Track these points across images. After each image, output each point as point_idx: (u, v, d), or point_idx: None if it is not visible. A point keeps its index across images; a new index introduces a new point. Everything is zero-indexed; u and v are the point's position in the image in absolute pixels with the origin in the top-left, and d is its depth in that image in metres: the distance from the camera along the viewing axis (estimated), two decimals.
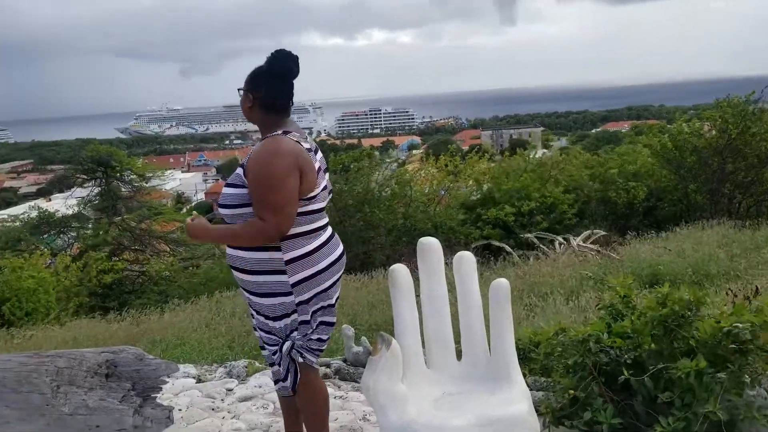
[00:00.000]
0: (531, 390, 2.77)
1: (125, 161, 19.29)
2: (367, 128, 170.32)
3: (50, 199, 37.67)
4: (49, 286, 10.57)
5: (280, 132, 2.58)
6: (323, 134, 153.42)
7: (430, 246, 2.66)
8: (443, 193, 16.74)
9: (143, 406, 2.78)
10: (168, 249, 18.94)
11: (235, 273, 2.65)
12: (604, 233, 12.33)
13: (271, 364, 2.79)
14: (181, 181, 67.12)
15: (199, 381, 4.15)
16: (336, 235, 2.79)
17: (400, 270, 2.61)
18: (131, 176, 19.09)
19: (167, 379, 2.97)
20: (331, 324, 2.72)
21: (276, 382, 2.83)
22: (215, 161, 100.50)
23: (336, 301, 2.73)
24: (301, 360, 2.65)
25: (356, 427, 3.26)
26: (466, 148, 44.45)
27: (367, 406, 3.50)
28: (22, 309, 9.88)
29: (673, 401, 2.55)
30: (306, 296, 2.56)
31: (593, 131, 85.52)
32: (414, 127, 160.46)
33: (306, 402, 2.75)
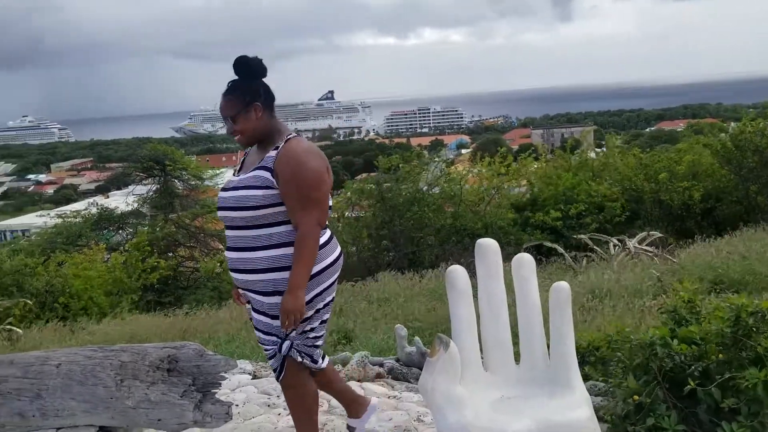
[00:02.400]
0: (590, 395, 2.72)
1: (181, 160, 19.74)
2: (416, 127, 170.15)
3: (108, 196, 38.86)
4: (97, 282, 10.85)
5: (294, 134, 2.68)
6: (372, 133, 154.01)
7: (489, 247, 2.64)
8: (494, 193, 16.59)
9: (203, 401, 2.82)
10: (220, 246, 19.31)
11: (241, 276, 2.68)
12: (660, 235, 12.02)
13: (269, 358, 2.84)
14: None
15: (254, 377, 4.22)
16: (334, 236, 2.87)
17: (457, 271, 2.60)
18: (187, 175, 19.52)
19: (226, 375, 3.02)
20: (325, 322, 2.81)
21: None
22: None
23: (332, 301, 2.82)
24: (299, 360, 2.73)
25: (410, 427, 3.25)
26: (515, 147, 43.96)
27: (422, 406, 3.49)
28: (79, 304, 10.20)
29: (738, 409, 2.48)
30: (311, 294, 2.64)
31: (647, 130, 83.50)
32: (463, 126, 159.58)
33: (295, 402, 2.83)
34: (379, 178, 15.29)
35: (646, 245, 10.82)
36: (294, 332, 2.66)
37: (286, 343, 2.68)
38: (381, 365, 4.27)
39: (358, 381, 3.99)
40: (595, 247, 10.98)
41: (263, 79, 2.70)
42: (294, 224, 2.58)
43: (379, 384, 3.97)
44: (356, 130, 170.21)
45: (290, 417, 3.47)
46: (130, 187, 21.08)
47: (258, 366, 4.48)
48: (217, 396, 2.91)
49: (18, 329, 7.46)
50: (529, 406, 2.40)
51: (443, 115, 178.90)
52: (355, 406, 3.09)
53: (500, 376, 2.58)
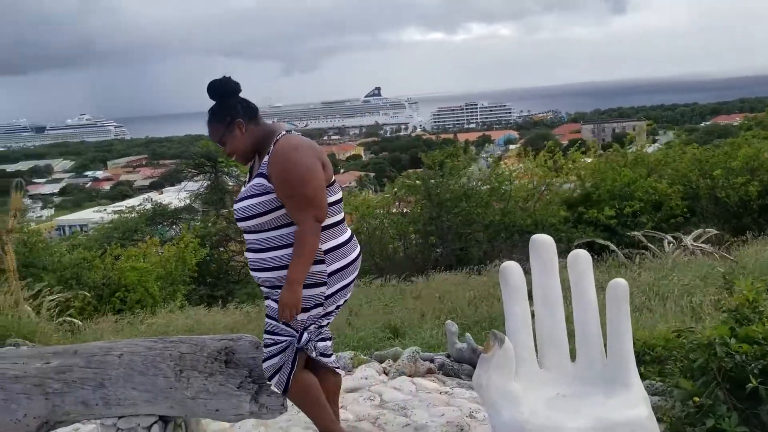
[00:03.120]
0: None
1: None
2: (463, 123, 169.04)
3: (162, 192, 39.79)
4: (151, 275, 11.11)
5: (284, 132, 2.69)
6: (418, 129, 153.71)
7: (544, 242, 2.61)
8: (543, 189, 16.36)
9: (259, 393, 2.87)
10: None
11: (264, 274, 2.70)
12: (716, 232, 11.67)
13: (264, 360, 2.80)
14: None
15: None
16: (354, 236, 2.88)
17: (512, 267, 2.57)
18: (237, 171, 19.85)
19: None
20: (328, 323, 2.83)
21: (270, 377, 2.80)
22: None
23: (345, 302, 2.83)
24: (313, 354, 2.76)
25: (463, 423, 3.25)
26: (565, 142, 43.23)
27: (474, 403, 3.48)
28: (134, 296, 10.48)
29: None
30: (335, 288, 2.68)
31: (702, 125, 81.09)
32: (511, 121, 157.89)
33: (300, 397, 2.81)
34: (425, 174, 15.24)
35: (702, 242, 10.53)
36: (312, 326, 2.70)
37: (305, 335, 2.70)
38: (432, 361, 4.27)
39: (410, 376, 4.00)
40: (649, 244, 10.73)
41: (239, 94, 2.76)
42: (296, 223, 2.62)
43: (430, 379, 3.98)
44: (403, 127, 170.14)
45: (343, 409, 3.52)
46: (183, 184, 21.55)
47: None
48: (273, 388, 2.96)
49: (77, 321, 7.71)
50: (585, 404, 2.37)
51: (491, 111, 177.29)
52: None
53: (555, 374, 2.55)
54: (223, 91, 2.72)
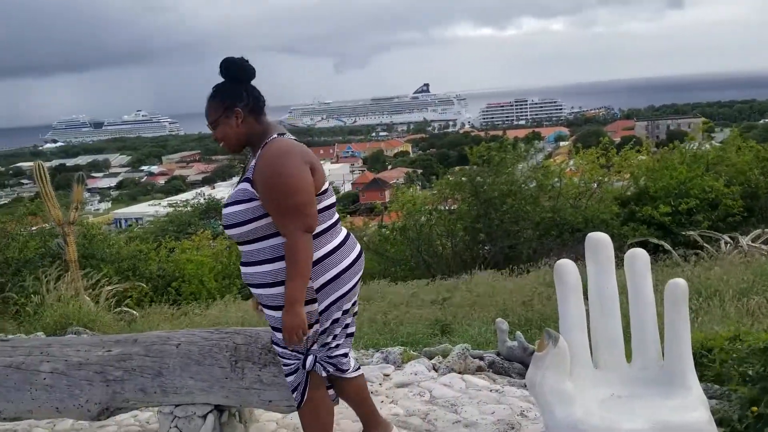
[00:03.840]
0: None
1: None
2: (512, 119, 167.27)
3: (214, 187, 40.64)
4: (206, 268, 11.35)
5: (275, 135, 2.49)
6: (467, 126, 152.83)
7: (601, 241, 2.57)
8: (595, 186, 16.07)
9: None
10: None
11: (254, 290, 2.56)
12: None
13: (287, 375, 2.71)
14: (330, 171, 69.63)
15: None
16: (351, 234, 2.68)
17: (567, 265, 2.54)
18: None
19: None
20: (352, 334, 2.66)
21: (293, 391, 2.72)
22: (361, 152, 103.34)
23: (355, 306, 2.64)
24: (324, 374, 2.60)
25: (514, 422, 3.23)
26: (618, 139, 42.33)
27: (525, 401, 3.46)
28: (189, 288, 10.73)
29: None
30: (328, 301, 2.49)
31: (761, 122, 78.31)
32: (562, 118, 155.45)
33: (310, 419, 2.69)
34: (472, 171, 15.12)
35: (761, 243, 10.18)
36: (315, 345, 2.54)
37: (310, 358, 2.55)
38: (481, 358, 4.25)
39: (459, 373, 4.00)
40: (705, 244, 10.43)
41: (252, 82, 2.57)
42: (284, 236, 2.42)
43: (480, 377, 3.96)
44: (451, 123, 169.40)
45: (393, 404, 3.54)
46: (234, 179, 21.92)
47: (360, 353, 4.57)
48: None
49: (134, 311, 7.94)
50: (642, 406, 2.33)
51: (541, 107, 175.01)
52: (374, 427, 2.87)
53: (611, 374, 2.51)
54: (236, 73, 2.51)
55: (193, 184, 73.90)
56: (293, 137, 2.55)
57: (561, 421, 2.30)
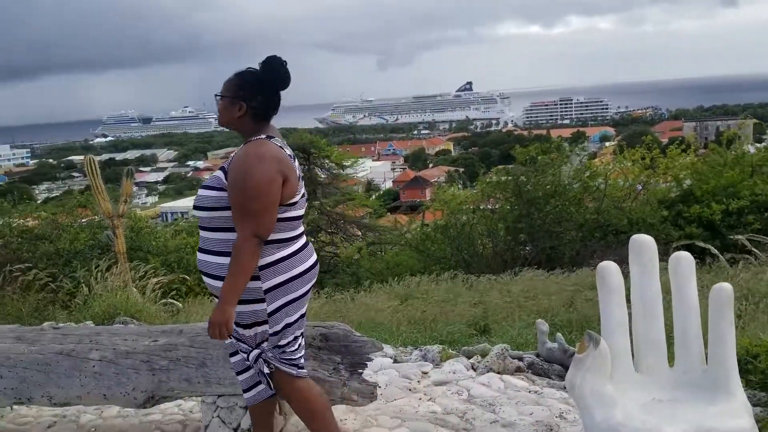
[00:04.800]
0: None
1: (324, 149, 20.53)
2: (557, 119, 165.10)
3: None
4: None
5: (263, 136, 2.51)
6: (510, 125, 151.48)
7: (645, 243, 2.53)
8: (640, 188, 15.76)
9: (350, 380, 2.95)
10: (359, 233, 19.93)
11: (206, 280, 2.59)
12: None
13: (238, 373, 2.78)
14: (371, 169, 69.91)
15: (395, 361, 4.34)
16: (310, 244, 2.70)
17: (610, 267, 2.52)
18: (329, 163, 20.28)
19: (372, 357, 3.14)
20: (299, 337, 2.64)
21: (245, 391, 2.79)
22: (403, 150, 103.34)
23: (303, 315, 2.64)
24: (267, 371, 2.58)
25: (552, 424, 3.21)
26: (665, 140, 41.44)
27: (564, 404, 3.44)
28: None
29: None
30: (277, 304, 2.50)
31: None
32: (608, 117, 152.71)
33: (300, 407, 2.69)
34: (516, 170, 15.00)
35: None
36: (265, 344, 2.56)
37: (254, 353, 2.57)
38: (521, 359, 4.23)
39: (498, 373, 3.99)
40: (753, 249, 10.16)
41: (279, 91, 2.58)
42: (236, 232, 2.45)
43: (519, 378, 3.94)
44: (494, 122, 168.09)
45: (431, 402, 3.55)
46: None
47: (399, 351, 4.60)
48: (363, 376, 3.04)
49: (178, 303, 8.11)
50: (684, 411, 2.30)
51: (586, 106, 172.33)
52: None
53: (652, 378, 2.48)
54: (267, 76, 2.54)
55: None
56: (279, 143, 2.55)
57: (600, 424, 2.28)
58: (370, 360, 3.07)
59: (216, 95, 2.58)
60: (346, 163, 21.25)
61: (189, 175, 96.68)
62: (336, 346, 3.05)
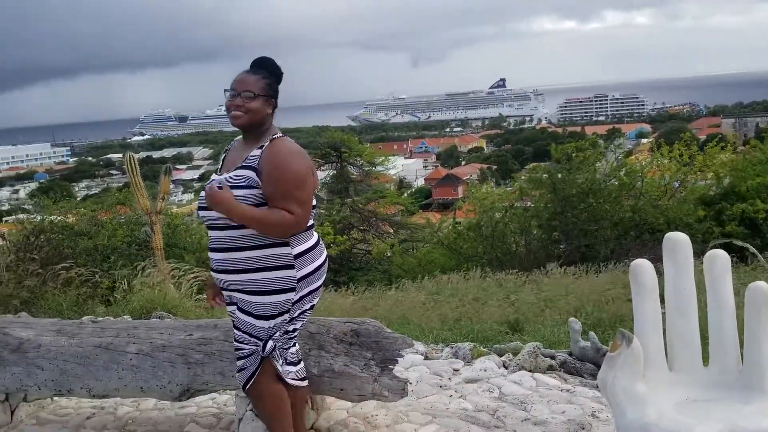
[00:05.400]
0: None
1: (356, 147, 20.62)
2: (592, 115, 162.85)
3: None
4: None
5: (280, 134, 2.64)
6: (543, 122, 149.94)
7: (679, 241, 2.51)
8: (677, 185, 15.47)
9: (381, 376, 2.96)
10: (391, 230, 19.98)
11: (226, 276, 2.61)
12: None
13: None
14: (403, 166, 69.79)
15: (426, 358, 4.35)
16: (321, 241, 2.81)
17: (643, 265, 2.50)
18: (361, 161, 20.37)
19: (403, 353, 3.15)
20: (297, 329, 2.73)
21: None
22: (435, 148, 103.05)
23: (314, 305, 2.74)
24: (279, 364, 2.67)
25: (584, 422, 3.19)
26: (703, 137, 40.62)
27: (596, 402, 3.41)
28: None
29: None
30: (302, 293, 2.60)
31: None
32: (644, 114, 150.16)
33: (269, 410, 2.74)
34: (551, 167, 14.86)
35: None
36: (278, 333, 2.62)
37: (270, 344, 2.62)
38: (553, 357, 4.21)
39: (530, 371, 3.97)
40: None
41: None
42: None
43: (552, 376, 3.92)
44: (527, 119, 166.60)
45: (462, 399, 3.56)
46: None
47: (430, 348, 4.61)
48: (394, 372, 3.05)
49: None
50: (718, 410, 2.27)
51: (622, 103, 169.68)
52: None
53: (686, 377, 2.45)
54: (279, 73, 2.69)
55: None
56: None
57: (632, 423, 2.27)
58: (401, 356, 3.08)
59: (245, 91, 2.59)
60: (378, 161, 21.31)
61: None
62: (367, 342, 3.07)
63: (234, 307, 2.68)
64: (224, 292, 2.73)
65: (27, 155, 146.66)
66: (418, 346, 4.51)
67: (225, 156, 2.79)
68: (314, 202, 2.72)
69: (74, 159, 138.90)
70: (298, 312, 2.66)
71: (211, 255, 2.66)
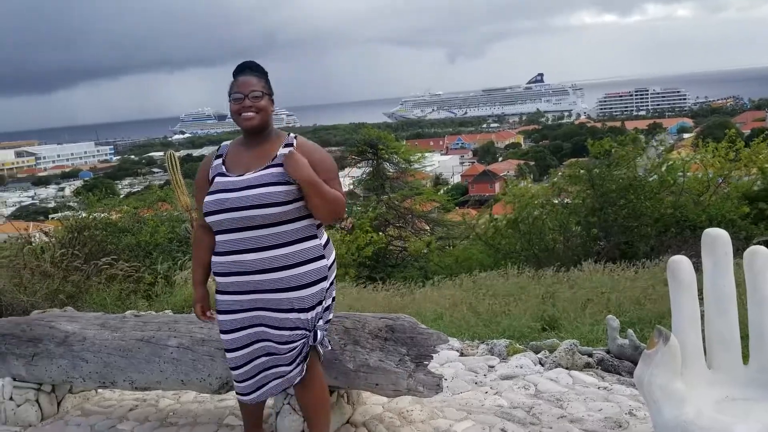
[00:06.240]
0: None
1: (392, 144, 20.62)
2: (632, 110, 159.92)
3: None
4: None
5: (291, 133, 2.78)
6: (582, 116, 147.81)
7: (718, 237, 2.47)
8: (720, 181, 15.10)
9: (416, 371, 2.97)
10: (427, 228, 19.95)
11: (264, 276, 2.59)
12: None
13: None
14: (440, 163, 69.58)
15: (461, 355, 4.35)
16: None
17: (681, 262, 2.46)
18: (397, 158, 20.37)
19: (438, 349, 3.16)
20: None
21: (252, 392, 2.81)
22: (471, 144, 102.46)
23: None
24: (329, 347, 2.82)
25: (622, 420, 3.16)
26: (747, 131, 39.56)
27: (634, 401, 3.37)
28: None
29: None
30: (330, 280, 2.72)
31: None
32: (686, 108, 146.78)
33: (318, 397, 2.80)
34: (590, 163, 14.65)
35: None
36: (321, 321, 2.69)
37: (320, 333, 2.68)
38: (590, 355, 4.17)
39: (566, 368, 3.94)
40: None
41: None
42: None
43: (588, 374, 3.89)
44: (566, 114, 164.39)
45: (497, 395, 3.55)
46: (346, 170, 22.45)
47: (465, 344, 4.61)
48: (429, 368, 3.06)
49: None
50: (757, 409, 2.23)
51: (663, 97, 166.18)
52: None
53: (725, 376, 2.42)
54: (265, 73, 2.76)
55: None
56: None
57: (669, 421, 2.24)
58: (436, 352, 3.09)
59: (253, 90, 2.63)
60: (414, 158, 21.29)
61: None
62: (402, 338, 3.08)
63: (262, 312, 2.66)
64: (244, 297, 2.66)
65: (72, 154, 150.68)
66: (453, 343, 4.52)
67: (224, 159, 2.74)
68: None
69: (117, 157, 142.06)
70: (330, 299, 2.76)
71: (242, 257, 2.60)
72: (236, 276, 2.64)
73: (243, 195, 2.55)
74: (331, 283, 2.75)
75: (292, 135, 2.74)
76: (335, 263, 2.79)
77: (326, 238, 2.76)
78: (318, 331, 2.67)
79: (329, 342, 2.85)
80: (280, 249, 2.58)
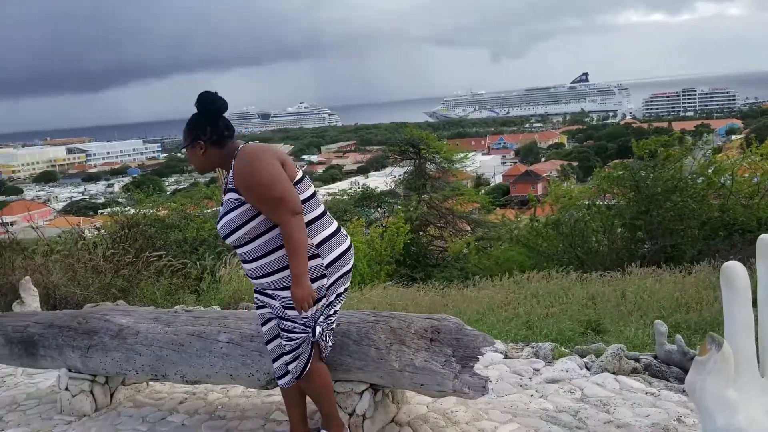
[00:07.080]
0: None
1: (434, 144, 20.61)
2: (679, 110, 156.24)
3: (368, 176, 41.80)
4: (360, 254, 11.75)
5: (240, 144, 2.79)
6: (628, 117, 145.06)
7: None
8: None
9: (462, 372, 2.99)
10: (468, 228, 19.87)
11: (262, 280, 2.82)
12: None
13: (274, 360, 3.03)
14: (481, 163, 69.12)
15: (506, 357, 4.35)
16: (342, 228, 2.98)
17: (736, 267, 2.42)
18: (439, 158, 20.35)
19: (483, 351, 3.17)
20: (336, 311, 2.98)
21: (280, 377, 3.04)
22: (514, 144, 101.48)
23: (347, 287, 2.98)
24: (330, 344, 2.97)
25: (670, 427, 3.12)
26: None
27: (682, 407, 3.32)
28: None
29: None
30: (334, 277, 2.81)
31: None
32: (735, 109, 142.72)
33: (320, 387, 2.97)
34: (635, 164, 14.38)
35: None
36: (321, 317, 2.82)
37: (318, 329, 2.82)
38: (637, 360, 4.12)
39: (613, 373, 3.90)
40: None
41: (224, 113, 2.83)
42: (278, 225, 2.73)
43: (636, 379, 3.84)
44: (611, 114, 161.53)
45: (543, 399, 3.54)
46: (388, 169, 22.53)
47: (510, 346, 4.60)
48: (474, 370, 3.07)
49: None
50: None
51: (711, 97, 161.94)
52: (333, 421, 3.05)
53: None
54: (206, 108, 2.81)
55: (349, 173, 76.52)
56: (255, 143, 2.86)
57: (722, 429, 2.21)
58: (482, 354, 3.09)
59: (181, 149, 2.89)
60: (456, 158, 21.23)
61: (304, 168, 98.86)
62: (447, 339, 3.10)
63: (268, 310, 2.96)
64: (259, 296, 2.96)
65: (121, 151, 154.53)
66: (498, 345, 4.51)
67: (225, 183, 2.94)
68: (311, 190, 2.89)
69: (164, 155, 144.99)
70: (334, 296, 2.87)
71: (245, 266, 2.89)
72: (252, 279, 2.93)
73: (218, 226, 2.84)
74: (337, 279, 2.84)
75: (238, 149, 2.78)
76: (343, 258, 2.86)
77: (328, 233, 2.83)
78: (317, 327, 2.82)
79: (330, 337, 2.98)
80: (255, 262, 2.80)
